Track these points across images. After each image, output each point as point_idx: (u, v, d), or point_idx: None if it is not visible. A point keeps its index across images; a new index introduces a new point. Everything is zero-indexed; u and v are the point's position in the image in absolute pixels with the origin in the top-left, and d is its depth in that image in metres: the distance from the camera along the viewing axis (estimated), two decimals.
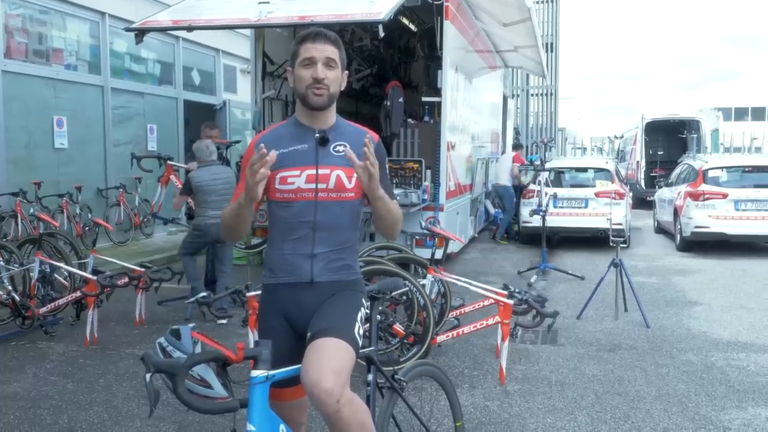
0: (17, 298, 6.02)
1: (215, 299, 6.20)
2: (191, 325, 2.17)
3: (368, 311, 2.60)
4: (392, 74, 11.86)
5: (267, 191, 2.48)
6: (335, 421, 2.21)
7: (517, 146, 14.33)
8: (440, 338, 5.27)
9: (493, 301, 5.15)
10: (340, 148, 2.47)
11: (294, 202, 2.45)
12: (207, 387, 2.05)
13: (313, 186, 2.44)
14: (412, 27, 11.40)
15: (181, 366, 1.95)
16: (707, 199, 10.91)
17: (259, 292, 4.73)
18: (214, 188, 6.82)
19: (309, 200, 2.45)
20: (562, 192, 11.56)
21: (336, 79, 2.47)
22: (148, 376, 1.94)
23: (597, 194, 11.36)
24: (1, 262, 6.43)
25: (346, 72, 2.54)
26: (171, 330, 2.14)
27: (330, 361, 2.22)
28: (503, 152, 14.81)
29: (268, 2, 7.13)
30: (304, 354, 2.30)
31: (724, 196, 10.87)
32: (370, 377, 2.65)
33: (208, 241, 6.98)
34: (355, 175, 2.45)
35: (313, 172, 2.44)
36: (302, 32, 2.50)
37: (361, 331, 2.44)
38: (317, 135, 2.46)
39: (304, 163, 2.45)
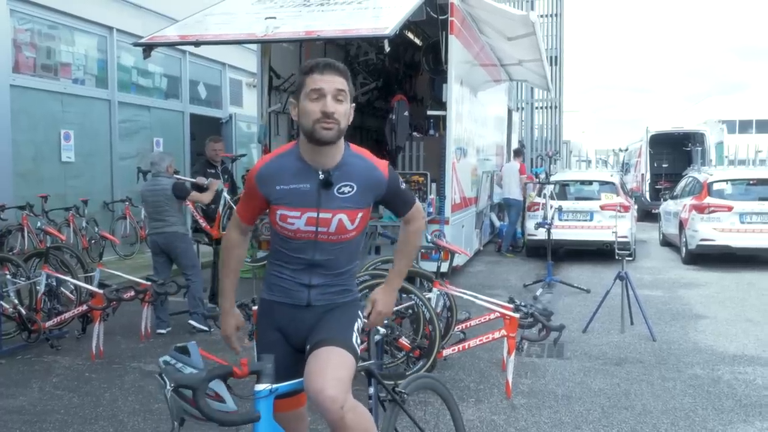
0: (23, 311, 6.02)
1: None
2: (195, 341, 2.20)
3: (365, 322, 2.63)
4: (397, 88, 11.91)
5: (269, 217, 2.50)
6: (340, 427, 2.25)
7: (518, 152, 13.94)
8: (446, 352, 5.27)
9: (499, 315, 5.14)
10: (346, 189, 2.39)
11: (292, 239, 2.44)
12: (220, 401, 2.07)
13: (313, 229, 2.41)
14: (418, 41, 11.46)
15: (202, 380, 1.98)
16: (712, 211, 10.90)
17: None
18: (146, 199, 6.87)
19: (309, 240, 2.43)
20: (567, 205, 11.55)
21: (345, 113, 2.35)
22: (168, 391, 1.96)
23: (602, 207, 11.34)
24: (8, 276, 6.45)
25: (353, 105, 2.44)
26: (177, 347, 2.16)
27: (333, 369, 2.27)
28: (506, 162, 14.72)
29: (275, 17, 7.17)
30: (304, 365, 2.35)
31: (729, 208, 10.85)
32: (372, 390, 2.67)
33: (157, 253, 6.81)
34: (359, 215, 2.43)
35: (314, 215, 2.39)
36: (308, 62, 2.39)
37: (359, 341, 2.48)
38: (321, 177, 2.37)
39: (305, 205, 2.38)
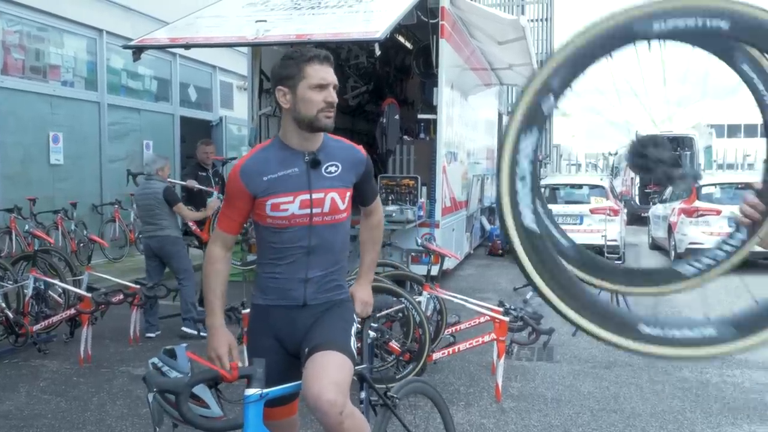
0: (11, 315, 5.97)
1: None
2: (184, 344, 2.19)
3: (359, 326, 2.64)
4: (388, 91, 11.93)
5: (255, 215, 2.47)
6: None
7: None
8: (436, 355, 5.26)
9: (488, 318, 5.15)
10: (332, 169, 2.47)
11: (287, 228, 2.43)
12: (204, 407, 2.05)
13: (308, 211, 2.42)
14: (408, 45, 11.47)
15: (185, 385, 1.96)
16: (701, 215, 10.97)
17: None
18: (138, 203, 6.88)
19: (303, 225, 2.43)
20: (557, 208, 11.59)
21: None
22: (150, 396, 1.94)
23: (592, 211, 11.41)
24: None
25: None
26: (165, 350, 2.15)
27: (331, 374, 2.25)
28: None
29: (265, 21, 7.17)
30: (301, 370, 2.33)
31: (718, 212, 10.91)
32: (363, 394, 2.67)
33: (150, 256, 6.78)
34: (347, 194, 2.48)
35: (307, 197, 2.41)
36: (300, 50, 2.46)
37: (356, 346, 2.47)
38: (307, 158, 2.43)
39: (297, 189, 2.41)
